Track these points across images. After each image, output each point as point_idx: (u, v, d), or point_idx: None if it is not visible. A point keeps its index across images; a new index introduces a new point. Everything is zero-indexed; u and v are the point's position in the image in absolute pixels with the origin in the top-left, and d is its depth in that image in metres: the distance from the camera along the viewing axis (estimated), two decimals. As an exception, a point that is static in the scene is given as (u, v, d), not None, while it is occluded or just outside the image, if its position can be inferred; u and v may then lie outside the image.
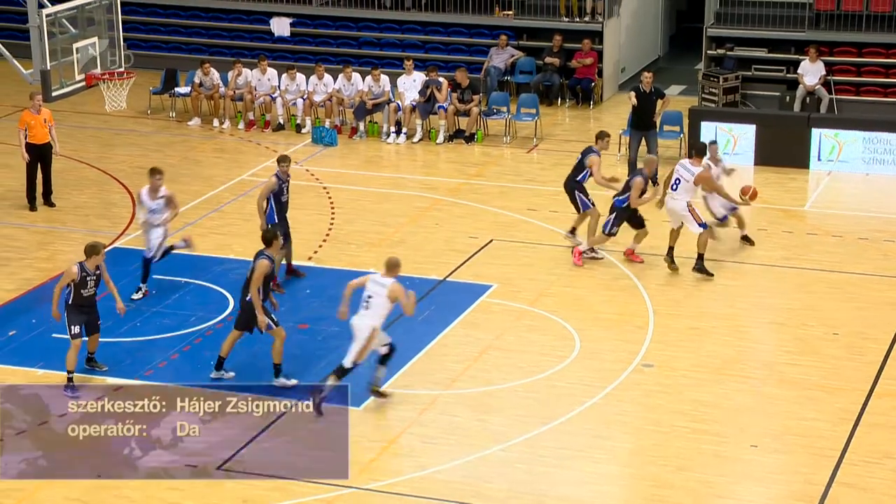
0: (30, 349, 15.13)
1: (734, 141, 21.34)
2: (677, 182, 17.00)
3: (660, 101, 20.58)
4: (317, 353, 15.15)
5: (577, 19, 25.13)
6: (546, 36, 25.05)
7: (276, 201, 16.38)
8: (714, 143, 18.52)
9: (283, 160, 16.52)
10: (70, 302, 14.21)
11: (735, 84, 23.62)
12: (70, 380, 14.10)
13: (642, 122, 20.44)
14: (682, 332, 15.58)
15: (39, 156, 19.16)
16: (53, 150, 19.31)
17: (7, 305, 16.29)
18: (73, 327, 14.24)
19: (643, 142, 20.49)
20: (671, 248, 17.12)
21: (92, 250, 14.17)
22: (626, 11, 25.65)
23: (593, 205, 17.15)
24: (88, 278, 14.18)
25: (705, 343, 15.33)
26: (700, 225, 16.79)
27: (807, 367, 14.68)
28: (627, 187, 17.00)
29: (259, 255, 14.23)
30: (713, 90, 23.58)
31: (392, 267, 13.96)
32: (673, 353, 15.06)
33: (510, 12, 25.47)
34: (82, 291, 14.20)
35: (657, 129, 20.91)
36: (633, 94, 20.22)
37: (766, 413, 13.74)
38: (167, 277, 16.96)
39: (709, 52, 24.37)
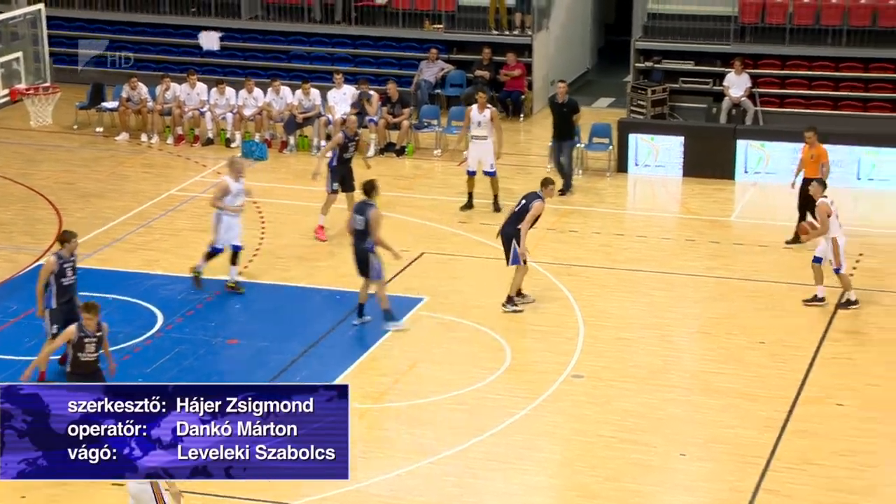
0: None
1: (656, 152, 21.57)
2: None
3: (574, 115, 20.83)
4: (247, 367, 15.06)
5: (507, 32, 25.27)
6: (476, 49, 25.16)
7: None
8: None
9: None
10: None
11: (663, 96, 23.89)
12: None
13: (558, 132, 20.74)
14: (610, 343, 15.69)
15: None
16: None
17: (-71, 325, 16.02)
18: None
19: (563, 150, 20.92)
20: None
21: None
22: (555, 24, 25.85)
23: (524, 263, 16.25)
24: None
25: (633, 353, 15.46)
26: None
27: (732, 375, 14.85)
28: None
29: (369, 206, 15.55)
30: (641, 102, 23.83)
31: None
32: (602, 363, 15.17)
33: (440, 26, 25.56)
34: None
35: (573, 140, 21.04)
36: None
37: (693, 422, 13.88)
38: (93, 294, 16.74)
39: (637, 64, 24.61)
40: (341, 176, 18.63)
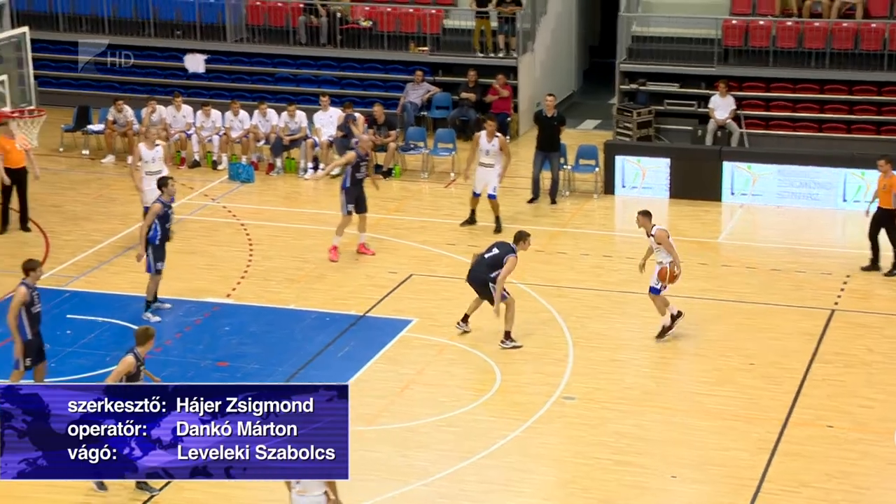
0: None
1: (643, 174, 21.65)
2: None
3: (562, 127, 21.37)
4: (236, 391, 14.99)
5: (492, 55, 25.35)
6: (461, 71, 25.22)
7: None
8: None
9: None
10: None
11: (648, 118, 23.98)
12: None
13: (545, 144, 20.98)
14: (602, 364, 15.69)
15: (15, 180, 19.45)
16: (33, 174, 19.53)
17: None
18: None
19: (546, 163, 21.27)
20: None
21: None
22: (540, 47, 25.95)
23: (508, 293, 15.97)
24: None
25: (626, 375, 15.46)
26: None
27: (725, 397, 14.86)
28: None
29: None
30: (627, 124, 23.92)
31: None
32: (594, 385, 15.15)
33: (425, 48, 25.62)
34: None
35: (560, 152, 21.31)
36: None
37: (687, 443, 13.87)
38: (82, 317, 16.69)
39: (622, 86, 24.71)
40: (355, 196, 18.56)
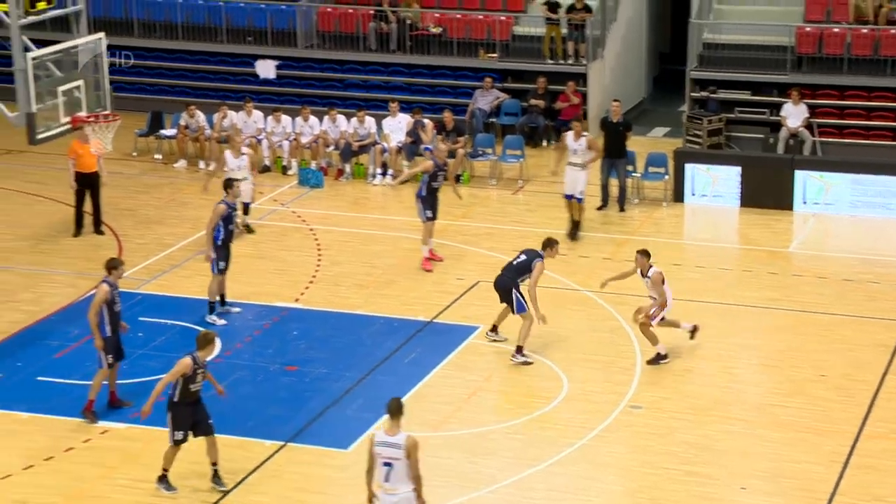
0: (16, 392, 15.03)
1: (713, 182, 21.47)
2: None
3: (628, 133, 21.31)
4: (304, 394, 15.08)
5: (562, 62, 25.28)
6: (531, 78, 25.19)
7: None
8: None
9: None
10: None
11: (719, 126, 23.76)
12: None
13: (611, 151, 20.90)
14: (670, 374, 15.56)
15: (88, 184, 19.77)
16: (101, 179, 19.84)
17: (-8, 348, 16.18)
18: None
19: (613, 170, 21.18)
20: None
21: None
22: (610, 54, 25.83)
23: (530, 307, 15.75)
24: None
25: (694, 384, 15.32)
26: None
27: (796, 408, 14.67)
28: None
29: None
30: (697, 132, 23.73)
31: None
32: (662, 394, 15.04)
33: (495, 55, 25.61)
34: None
35: (626, 158, 21.24)
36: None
37: (757, 455, 13.70)
38: (153, 319, 16.88)
39: (692, 94, 24.52)
40: (431, 205, 18.54)
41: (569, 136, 19.74)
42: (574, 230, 19.81)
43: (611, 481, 13.32)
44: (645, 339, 15.75)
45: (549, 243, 16.09)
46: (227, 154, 19.59)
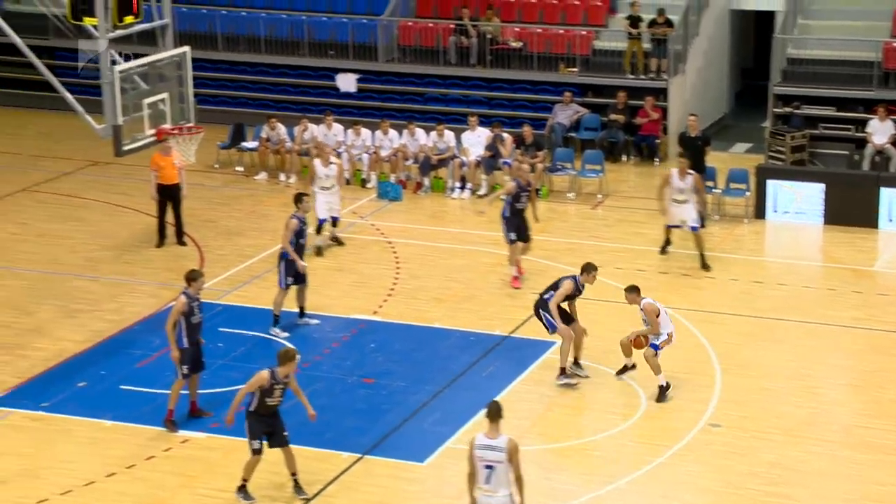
0: (99, 400, 15.25)
1: (796, 198, 21.18)
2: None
3: (707, 148, 21.07)
4: (381, 407, 15.12)
5: (643, 77, 25.13)
6: (611, 93, 25.07)
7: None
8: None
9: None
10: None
11: (802, 142, 23.44)
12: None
13: (691, 166, 20.54)
14: (751, 392, 15.35)
15: (169, 196, 20.08)
16: (182, 192, 20.12)
17: (76, 357, 16.42)
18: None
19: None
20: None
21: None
22: (692, 69, 25.63)
23: (559, 326, 15.45)
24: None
25: (776, 403, 15.09)
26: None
27: (883, 430, 14.38)
28: (557, 285, 15.65)
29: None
30: (780, 148, 23.43)
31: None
32: (743, 412, 14.84)
33: (575, 69, 25.54)
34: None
35: (705, 174, 20.99)
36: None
37: (843, 477, 13.46)
38: (233, 330, 17.04)
39: (775, 110, 24.24)
40: (516, 226, 18.42)
41: (674, 175, 19.13)
42: (702, 261, 19.06)
43: (689, 501, 13.16)
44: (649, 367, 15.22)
45: (588, 268, 15.71)
46: (317, 162, 19.91)
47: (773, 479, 13.39)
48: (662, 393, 15.11)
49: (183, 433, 14.40)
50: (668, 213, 19.36)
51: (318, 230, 19.95)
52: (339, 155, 23.50)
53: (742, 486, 13.27)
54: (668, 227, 19.54)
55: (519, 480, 11.07)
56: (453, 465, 13.77)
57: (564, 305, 15.64)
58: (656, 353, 15.11)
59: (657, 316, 15.20)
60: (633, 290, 15.40)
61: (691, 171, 19.30)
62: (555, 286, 15.64)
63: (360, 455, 13.98)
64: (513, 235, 18.42)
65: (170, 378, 14.84)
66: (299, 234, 16.90)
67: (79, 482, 13.42)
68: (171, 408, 14.50)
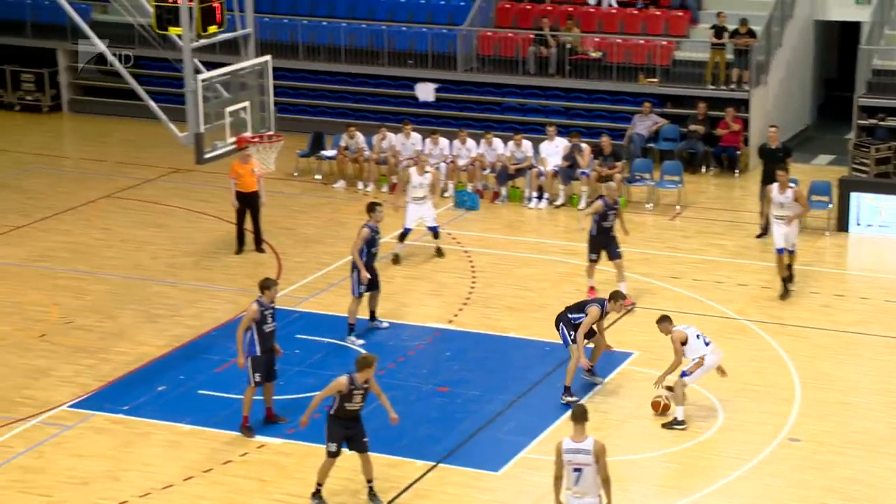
0: (178, 405, 15.45)
1: (881, 211, 20.83)
2: None
3: (788, 160, 20.69)
4: (456, 415, 15.13)
5: (723, 87, 24.91)
6: (691, 103, 24.88)
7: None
8: None
9: (373, 208, 17.22)
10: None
11: (887, 154, 23.05)
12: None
13: (771, 178, 20.33)
14: (831, 406, 15.13)
15: (248, 203, 20.31)
16: (261, 199, 20.36)
17: (157, 361, 16.66)
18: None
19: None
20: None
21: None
22: (774, 80, 25.34)
23: (574, 342, 15.42)
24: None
25: (857, 419, 14.85)
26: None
27: (967, 448, 14.11)
28: (584, 309, 15.48)
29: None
30: (864, 160, 23.07)
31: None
32: (822, 427, 14.63)
33: (654, 79, 25.39)
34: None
35: None
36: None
37: (923, 494, 13.23)
38: (310, 337, 17.18)
39: (859, 121, 23.88)
40: (602, 246, 18.15)
41: (774, 189, 18.31)
42: (787, 283, 18.32)
43: (766, 515, 13.01)
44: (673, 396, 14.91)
45: (615, 296, 15.53)
46: (412, 171, 20.17)
47: (851, 496, 13.18)
48: (674, 424, 14.71)
49: (259, 438, 14.53)
50: (772, 235, 18.44)
51: (402, 238, 20.03)
52: (437, 168, 23.60)
53: (819, 501, 13.10)
54: (779, 255, 18.29)
55: (606, 482, 11.23)
56: (528, 474, 13.76)
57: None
58: (685, 382, 14.77)
59: (683, 343, 14.84)
60: (664, 321, 15.13)
61: (793, 185, 18.46)
62: (580, 308, 15.51)
63: (434, 463, 14.00)
64: (594, 256, 18.21)
65: (246, 384, 14.99)
66: (370, 242, 16.97)
67: (157, 485, 13.61)
68: (245, 414, 14.64)
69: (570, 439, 11.27)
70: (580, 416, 11.34)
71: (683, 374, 14.87)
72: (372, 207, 17.22)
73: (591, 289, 18.33)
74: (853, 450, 14.10)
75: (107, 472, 13.91)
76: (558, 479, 11.27)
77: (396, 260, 19.88)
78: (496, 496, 13.40)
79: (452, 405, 15.39)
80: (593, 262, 18.32)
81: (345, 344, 16.93)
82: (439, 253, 20.15)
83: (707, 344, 14.94)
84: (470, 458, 14.13)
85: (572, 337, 15.37)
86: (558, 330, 15.63)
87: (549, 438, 14.52)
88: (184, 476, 13.81)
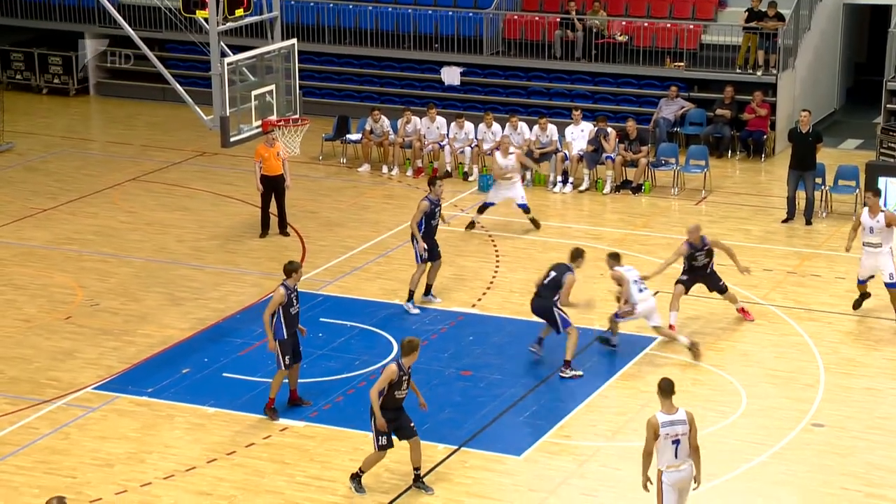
0: (202, 387, 15.53)
1: (906, 196, 20.66)
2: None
3: (818, 145, 20.65)
4: (479, 399, 15.15)
5: (751, 71, 24.76)
6: (717, 88, 24.75)
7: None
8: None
9: (434, 182, 17.56)
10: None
11: (916, 139, 22.89)
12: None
13: (800, 163, 20.25)
14: (855, 392, 15.06)
15: (273, 187, 20.38)
16: (286, 183, 20.39)
17: (181, 344, 16.76)
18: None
19: (801, 182, 20.63)
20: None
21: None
22: (802, 64, 25.17)
23: (571, 320, 15.65)
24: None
25: (882, 404, 14.79)
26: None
27: None
28: (561, 285, 15.62)
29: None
30: (893, 145, 22.87)
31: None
32: (845, 413, 14.56)
33: (681, 64, 25.25)
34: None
35: (815, 170, 20.63)
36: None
37: (945, 481, 13.16)
38: (333, 321, 17.23)
39: (889, 105, 23.68)
40: (692, 283, 17.01)
41: (864, 213, 16.88)
42: (864, 298, 17.13)
43: (788, 500, 12.96)
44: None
45: (577, 254, 15.84)
46: (497, 154, 20.56)
47: (873, 481, 13.13)
48: (606, 341, 16.22)
49: (282, 421, 14.59)
50: (861, 264, 17.01)
51: (481, 210, 20.65)
52: (438, 148, 23.64)
53: (840, 486, 13.05)
54: (861, 285, 17.10)
55: (696, 451, 11.49)
56: (549, 459, 13.78)
57: None
58: (616, 321, 16.09)
59: (619, 284, 16.07)
60: (611, 257, 16.33)
61: (885, 209, 17.13)
62: (556, 284, 15.59)
63: (456, 447, 14.03)
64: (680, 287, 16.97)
65: (270, 367, 15.06)
66: (430, 215, 17.30)
67: (180, 467, 13.71)
68: (272, 396, 14.70)
69: (663, 412, 11.46)
70: (668, 390, 11.53)
71: (616, 315, 16.04)
72: (433, 181, 17.58)
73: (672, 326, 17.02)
74: (877, 435, 14.04)
75: (130, 453, 14.02)
76: (648, 454, 11.50)
77: (471, 226, 20.52)
78: (517, 480, 13.41)
79: (475, 389, 15.41)
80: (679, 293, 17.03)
81: (367, 327, 16.97)
82: (535, 224, 20.53)
83: (641, 291, 15.90)
84: (492, 441, 14.15)
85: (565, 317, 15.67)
86: (552, 317, 15.66)
87: (571, 422, 14.54)
88: (207, 458, 13.90)
